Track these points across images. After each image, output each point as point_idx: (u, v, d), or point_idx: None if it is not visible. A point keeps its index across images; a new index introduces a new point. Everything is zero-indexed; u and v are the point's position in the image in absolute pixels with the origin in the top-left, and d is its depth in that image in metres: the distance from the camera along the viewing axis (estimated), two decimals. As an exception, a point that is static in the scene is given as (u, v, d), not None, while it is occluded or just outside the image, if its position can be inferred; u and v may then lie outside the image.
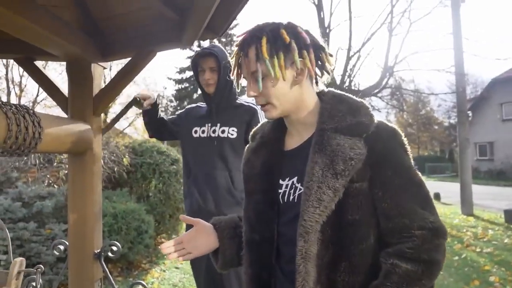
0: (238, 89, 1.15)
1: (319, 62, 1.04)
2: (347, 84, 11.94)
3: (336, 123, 0.99)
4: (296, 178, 1.03)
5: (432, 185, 18.45)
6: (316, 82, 1.09)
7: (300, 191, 1.00)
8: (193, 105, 2.27)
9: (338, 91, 1.08)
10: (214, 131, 2.03)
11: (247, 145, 1.20)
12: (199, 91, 2.36)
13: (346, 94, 1.08)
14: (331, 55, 1.06)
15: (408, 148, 1.01)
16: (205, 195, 1.97)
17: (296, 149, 1.07)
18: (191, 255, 1.14)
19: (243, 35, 1.03)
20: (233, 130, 2.02)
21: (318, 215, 0.94)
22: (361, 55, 12.26)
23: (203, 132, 2.06)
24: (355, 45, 12.42)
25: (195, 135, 2.08)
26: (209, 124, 2.05)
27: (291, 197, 1.04)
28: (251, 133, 1.22)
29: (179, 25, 1.67)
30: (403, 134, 1.02)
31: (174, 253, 1.13)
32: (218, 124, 2.03)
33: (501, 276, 4.40)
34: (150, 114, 2.17)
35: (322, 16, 11.64)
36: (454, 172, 25.10)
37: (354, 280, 0.95)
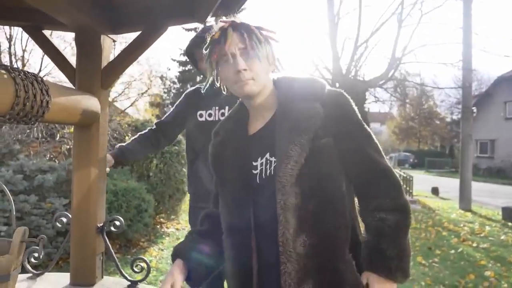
0: (210, 78, 1.17)
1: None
2: (353, 74, 11.82)
3: (294, 93, 1.13)
4: (268, 153, 1.11)
5: (431, 179, 18.52)
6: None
7: (276, 163, 1.08)
8: (191, 89, 2.17)
9: (287, 76, 1.21)
10: (222, 114, 1.98)
11: (211, 142, 1.26)
12: (202, 74, 2.29)
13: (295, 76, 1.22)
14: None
15: (354, 105, 1.16)
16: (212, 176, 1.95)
17: (262, 129, 1.16)
18: None
19: (226, 23, 1.12)
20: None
21: (290, 169, 1.03)
22: (369, 46, 12.10)
23: (209, 115, 2.02)
24: (363, 34, 12.21)
25: (200, 119, 2.03)
26: (217, 108, 2.00)
27: (268, 172, 1.10)
28: (214, 130, 1.28)
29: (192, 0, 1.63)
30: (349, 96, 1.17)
31: None
32: (227, 107, 1.97)
33: (497, 272, 4.44)
34: (126, 156, 2.11)
35: (331, 3, 11.47)
36: (453, 167, 25.14)
37: (341, 223, 1.06)
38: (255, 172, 1.13)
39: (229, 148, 1.20)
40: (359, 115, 1.14)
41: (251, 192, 1.12)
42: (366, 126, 1.13)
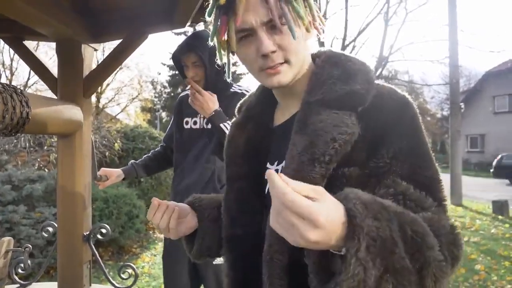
0: (221, 60, 0.84)
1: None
2: (341, 73, 11.91)
3: (323, 93, 0.76)
4: (284, 162, 0.81)
5: (423, 175, 18.63)
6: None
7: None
8: (184, 93, 2.13)
9: (338, 51, 0.84)
10: (207, 123, 1.91)
11: (232, 120, 0.99)
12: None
13: (348, 54, 0.83)
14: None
15: (421, 124, 0.76)
16: (189, 188, 1.89)
17: (285, 123, 0.86)
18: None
19: None
20: (227, 123, 1.94)
21: None
22: (356, 45, 12.23)
23: (194, 123, 1.98)
24: (351, 34, 12.33)
25: (186, 126, 2.00)
26: (202, 116, 1.92)
27: None
28: (238, 105, 1.00)
29: (171, 6, 1.65)
30: (415, 105, 0.76)
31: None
32: None
33: (486, 265, 4.50)
34: (137, 172, 2.12)
35: (318, 3, 11.57)
36: (445, 163, 25.35)
37: None
38: None
39: (244, 135, 0.91)
40: (424, 132, 0.75)
41: (264, 199, 0.83)
42: (428, 145, 0.75)
